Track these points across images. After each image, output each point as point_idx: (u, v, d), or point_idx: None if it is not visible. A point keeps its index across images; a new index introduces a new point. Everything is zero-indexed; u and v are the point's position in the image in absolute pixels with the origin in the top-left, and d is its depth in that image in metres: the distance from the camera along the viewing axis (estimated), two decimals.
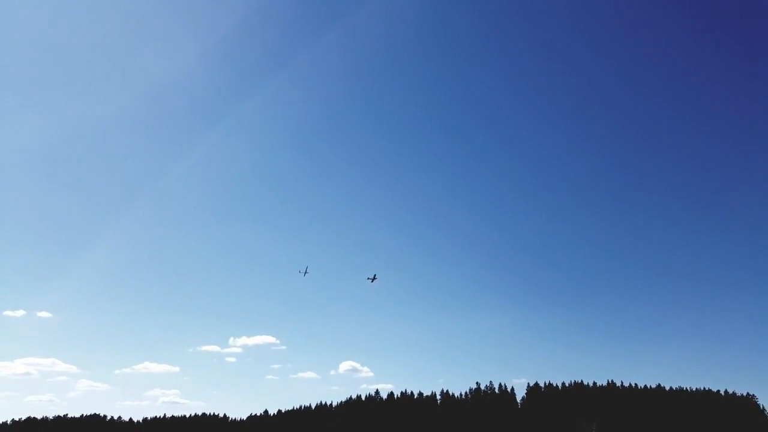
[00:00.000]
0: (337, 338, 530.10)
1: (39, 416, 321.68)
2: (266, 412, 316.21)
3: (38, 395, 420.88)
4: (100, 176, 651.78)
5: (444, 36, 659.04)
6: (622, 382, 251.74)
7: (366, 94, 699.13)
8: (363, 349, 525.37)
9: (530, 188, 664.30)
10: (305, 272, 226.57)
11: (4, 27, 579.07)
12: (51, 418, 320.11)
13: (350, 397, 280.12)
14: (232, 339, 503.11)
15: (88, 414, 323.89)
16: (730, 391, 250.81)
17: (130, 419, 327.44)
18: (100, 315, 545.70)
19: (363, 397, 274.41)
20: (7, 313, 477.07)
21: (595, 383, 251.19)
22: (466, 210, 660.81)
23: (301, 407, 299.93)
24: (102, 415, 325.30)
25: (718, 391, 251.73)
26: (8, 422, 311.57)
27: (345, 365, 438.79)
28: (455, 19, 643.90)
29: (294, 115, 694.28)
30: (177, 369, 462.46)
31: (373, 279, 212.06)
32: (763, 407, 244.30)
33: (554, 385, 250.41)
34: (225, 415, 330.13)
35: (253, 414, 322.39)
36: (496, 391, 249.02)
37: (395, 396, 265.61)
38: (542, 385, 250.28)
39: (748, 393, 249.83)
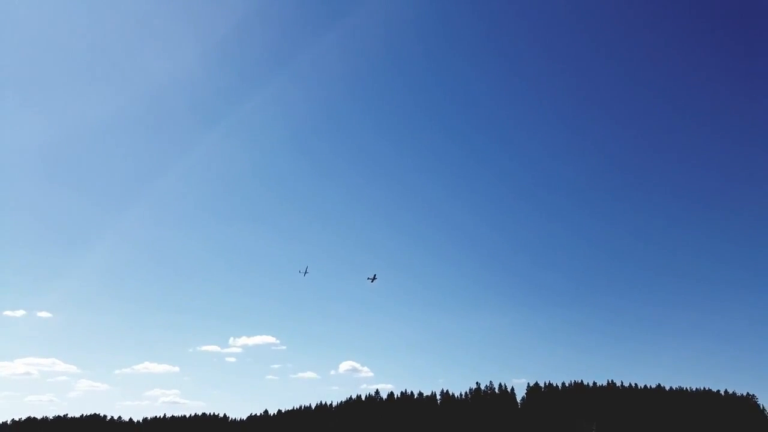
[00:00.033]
0: (337, 338, 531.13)
1: (39, 416, 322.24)
2: (266, 412, 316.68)
3: (38, 395, 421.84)
4: (100, 176, 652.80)
5: (444, 36, 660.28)
6: (622, 382, 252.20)
7: (366, 94, 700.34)
8: (363, 349, 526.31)
9: (530, 188, 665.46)
10: (305, 272, 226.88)
11: (4, 27, 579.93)
12: (51, 418, 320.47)
13: (350, 397, 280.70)
14: (232, 339, 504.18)
15: (88, 414, 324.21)
16: (730, 391, 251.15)
17: (130, 419, 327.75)
18: (100, 315, 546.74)
19: (363, 397, 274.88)
20: (7, 313, 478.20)
21: (595, 383, 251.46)
22: (466, 210, 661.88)
23: (301, 407, 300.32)
24: (102, 415, 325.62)
25: (718, 391, 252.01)
26: (8, 422, 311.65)
27: (345, 365, 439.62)
28: (455, 19, 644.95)
29: (294, 115, 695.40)
30: (177, 369, 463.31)
31: (373, 279, 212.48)
32: (763, 407, 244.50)
33: (554, 385, 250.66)
34: (225, 415, 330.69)
35: (253, 414, 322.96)
36: (496, 391, 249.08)
37: (395, 396, 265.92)
38: (542, 385, 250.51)
39: (748, 393, 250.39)
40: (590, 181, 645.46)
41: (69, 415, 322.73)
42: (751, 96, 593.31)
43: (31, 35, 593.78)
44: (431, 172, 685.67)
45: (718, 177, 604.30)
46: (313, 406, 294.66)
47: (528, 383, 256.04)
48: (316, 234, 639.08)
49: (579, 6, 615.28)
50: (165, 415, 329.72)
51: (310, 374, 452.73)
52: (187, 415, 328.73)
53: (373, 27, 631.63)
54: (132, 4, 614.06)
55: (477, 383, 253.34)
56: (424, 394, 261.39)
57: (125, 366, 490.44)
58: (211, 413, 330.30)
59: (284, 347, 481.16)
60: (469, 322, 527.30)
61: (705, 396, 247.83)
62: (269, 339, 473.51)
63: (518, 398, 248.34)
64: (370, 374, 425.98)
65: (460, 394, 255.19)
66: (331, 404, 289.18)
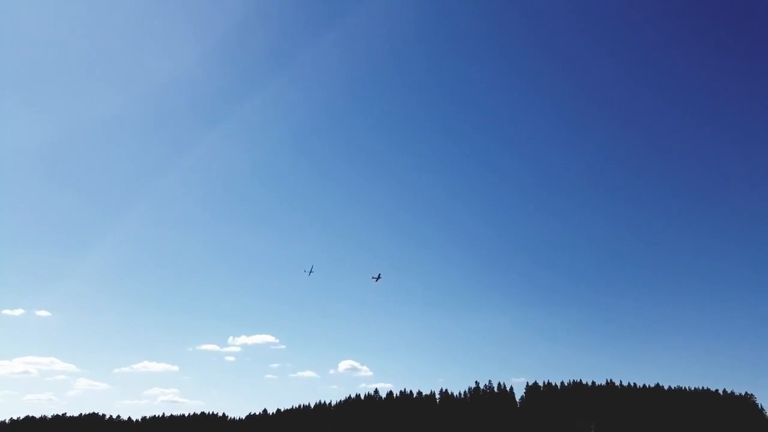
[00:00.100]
0: (337, 337, 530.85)
1: (38, 415, 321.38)
2: (265, 411, 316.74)
3: (37, 394, 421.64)
4: (99, 176, 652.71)
5: (444, 35, 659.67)
6: (621, 382, 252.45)
7: (366, 93, 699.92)
8: (362, 349, 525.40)
9: (530, 187, 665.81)
10: (310, 272, 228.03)
11: (4, 26, 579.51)
12: (50, 417, 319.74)
13: (349, 397, 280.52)
14: (231, 338, 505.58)
15: (87, 413, 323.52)
16: (729, 391, 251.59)
17: (129, 418, 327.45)
18: (99, 314, 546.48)
19: (362, 397, 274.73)
20: (6, 311, 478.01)
21: (594, 382, 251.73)
22: (466, 209, 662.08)
23: (300, 406, 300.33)
24: (101, 414, 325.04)
25: (717, 390, 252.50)
26: (7, 421, 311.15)
27: (344, 364, 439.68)
28: (455, 19, 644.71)
29: (294, 115, 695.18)
30: (176, 368, 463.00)
31: (378, 278, 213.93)
32: (762, 406, 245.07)
33: (553, 384, 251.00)
34: (224, 414, 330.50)
35: (252, 413, 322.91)
36: (495, 390, 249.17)
37: (394, 395, 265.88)
38: (541, 384, 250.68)
39: (746, 392, 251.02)
40: (590, 180, 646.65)
41: (68, 414, 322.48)
42: (752, 96, 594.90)
43: (30, 35, 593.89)
44: (431, 171, 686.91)
45: (718, 177, 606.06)
46: (312, 406, 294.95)
47: (527, 382, 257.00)
48: (316, 234, 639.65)
49: (579, 5, 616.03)
50: (164, 414, 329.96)
51: (309, 373, 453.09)
52: (186, 414, 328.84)
53: (373, 27, 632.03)
54: (132, 4, 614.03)
55: (476, 382, 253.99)
56: (423, 394, 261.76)
57: (124, 365, 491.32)
58: (210, 412, 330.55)
59: (283, 346, 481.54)
60: (468, 321, 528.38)
61: (704, 395, 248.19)
62: (268, 338, 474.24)
63: (517, 397, 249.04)
64: (370, 373, 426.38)
65: (459, 394, 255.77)
66: (330, 403, 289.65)
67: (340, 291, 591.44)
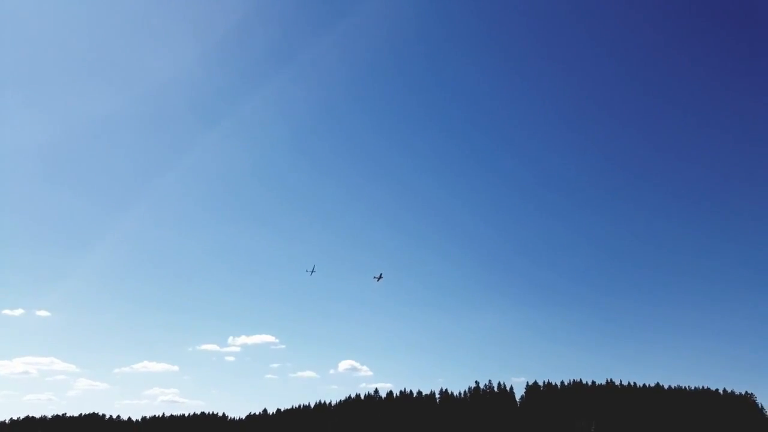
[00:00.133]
0: (337, 337, 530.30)
1: (38, 415, 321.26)
2: (265, 411, 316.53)
3: (37, 394, 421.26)
4: (99, 176, 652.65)
5: (444, 35, 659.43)
6: (621, 381, 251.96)
7: (366, 93, 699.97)
8: (362, 349, 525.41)
9: (530, 187, 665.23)
10: (312, 271, 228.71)
11: (4, 27, 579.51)
12: (50, 417, 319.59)
13: (349, 396, 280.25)
14: (231, 338, 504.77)
15: (87, 413, 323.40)
16: (729, 390, 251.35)
17: (129, 418, 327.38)
18: (99, 314, 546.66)
19: (362, 396, 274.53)
20: (6, 311, 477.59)
21: (594, 382, 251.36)
22: (466, 209, 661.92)
23: (300, 406, 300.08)
24: (101, 414, 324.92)
25: (717, 389, 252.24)
26: (6, 421, 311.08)
27: (344, 364, 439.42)
28: (456, 19, 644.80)
29: (294, 115, 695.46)
30: (176, 368, 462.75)
31: (379, 278, 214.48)
32: (762, 406, 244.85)
33: (553, 384, 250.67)
34: (224, 414, 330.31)
35: (252, 413, 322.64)
36: (495, 390, 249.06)
37: (394, 395, 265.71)
38: (541, 384, 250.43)
39: (746, 392, 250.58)
40: (590, 180, 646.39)
41: (68, 414, 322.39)
42: (752, 96, 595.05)
43: (30, 35, 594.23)
44: (431, 171, 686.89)
45: (718, 176, 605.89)
46: (312, 405, 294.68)
47: (527, 382, 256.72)
48: (316, 234, 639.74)
49: (579, 5, 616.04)
50: (164, 414, 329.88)
51: (309, 373, 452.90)
52: (186, 414, 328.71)
53: (373, 27, 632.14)
54: (132, 4, 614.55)
55: (476, 382, 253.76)
56: (423, 393, 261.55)
57: (124, 365, 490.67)
58: (210, 412, 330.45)
59: (283, 346, 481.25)
60: (468, 321, 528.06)
61: (704, 395, 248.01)
62: (268, 338, 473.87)
63: (517, 397, 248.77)
64: (370, 373, 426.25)
65: (459, 393, 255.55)
66: (330, 403, 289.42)
67: (340, 291, 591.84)
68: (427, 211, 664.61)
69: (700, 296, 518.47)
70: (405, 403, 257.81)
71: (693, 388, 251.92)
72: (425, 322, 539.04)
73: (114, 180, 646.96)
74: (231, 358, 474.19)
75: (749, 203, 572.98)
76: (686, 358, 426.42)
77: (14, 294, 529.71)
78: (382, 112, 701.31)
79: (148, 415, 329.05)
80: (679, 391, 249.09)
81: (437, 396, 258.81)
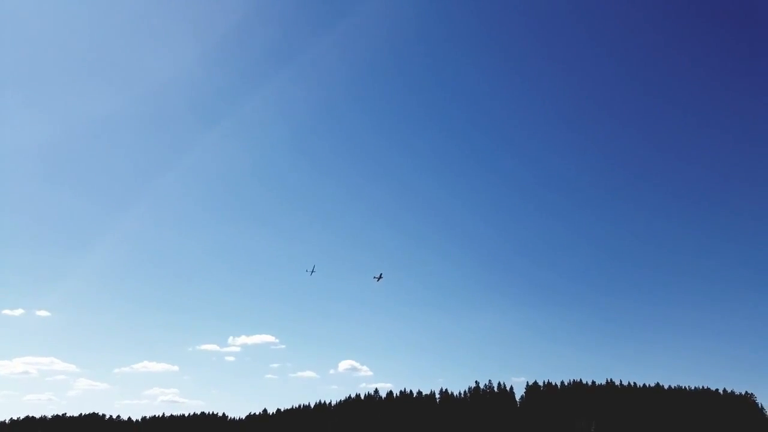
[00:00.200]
0: (337, 337, 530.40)
1: (38, 415, 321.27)
2: (265, 411, 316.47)
3: (37, 394, 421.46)
4: (99, 176, 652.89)
5: (445, 35, 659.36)
6: (621, 381, 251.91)
7: (366, 93, 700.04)
8: (362, 349, 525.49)
9: (530, 187, 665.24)
10: (312, 271, 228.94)
11: (4, 27, 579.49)
12: (50, 417, 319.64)
13: (349, 396, 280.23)
14: (231, 338, 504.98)
15: (87, 413, 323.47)
16: (729, 390, 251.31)
17: (129, 418, 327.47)
18: (99, 314, 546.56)
19: (362, 396, 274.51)
20: (6, 311, 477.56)
21: (594, 382, 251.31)
22: (466, 209, 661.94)
23: (300, 406, 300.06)
24: (101, 414, 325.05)
25: (717, 389, 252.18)
26: (6, 421, 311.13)
27: (344, 364, 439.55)
28: (456, 18, 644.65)
29: (294, 115, 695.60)
30: (176, 368, 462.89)
31: (379, 278, 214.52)
32: (762, 406, 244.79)
33: (553, 384, 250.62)
34: (224, 414, 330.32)
35: (252, 413, 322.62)
36: (495, 390, 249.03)
37: (394, 395, 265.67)
38: (541, 384, 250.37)
39: (746, 392, 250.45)
40: (590, 180, 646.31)
41: (68, 414, 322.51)
42: (752, 96, 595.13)
43: (31, 35, 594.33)
44: (431, 170, 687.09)
45: (718, 176, 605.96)
46: (312, 405, 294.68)
47: (527, 382, 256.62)
48: (316, 233, 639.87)
49: (579, 5, 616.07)
50: (164, 414, 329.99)
51: (309, 373, 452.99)
52: (186, 414, 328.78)
53: (373, 27, 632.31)
54: (132, 4, 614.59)
55: (476, 382, 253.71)
56: (423, 393, 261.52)
57: (124, 365, 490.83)
58: (210, 412, 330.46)
59: (283, 346, 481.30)
60: (468, 320, 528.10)
61: (704, 395, 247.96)
62: (268, 338, 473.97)
63: (517, 397, 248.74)
64: (370, 373, 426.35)
65: (459, 393, 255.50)
66: (330, 403, 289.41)
67: (340, 291, 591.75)
68: (427, 211, 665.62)
69: (700, 296, 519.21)
70: (405, 403, 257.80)
71: (693, 388, 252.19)
72: (425, 322, 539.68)
73: (114, 180, 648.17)
74: (231, 358, 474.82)
75: (749, 203, 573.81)
76: (686, 358, 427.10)
77: (14, 294, 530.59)
78: (382, 112, 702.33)
79: (148, 415, 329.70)
80: (679, 391, 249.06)
81: (437, 396, 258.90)
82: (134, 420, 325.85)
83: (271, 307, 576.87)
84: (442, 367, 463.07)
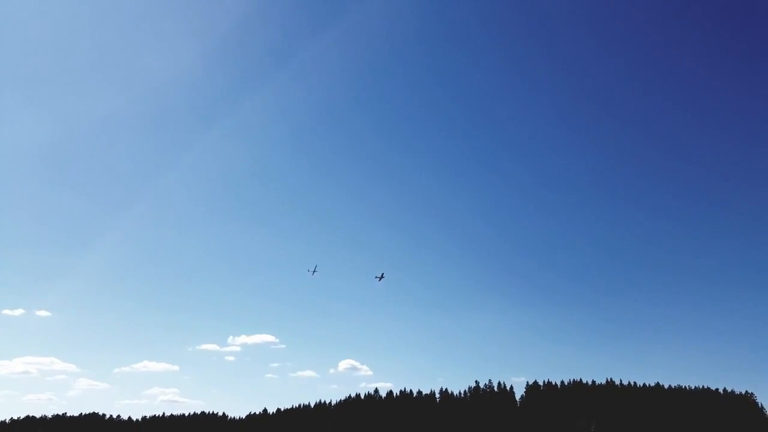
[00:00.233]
0: (337, 337, 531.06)
1: (38, 415, 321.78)
2: (265, 410, 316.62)
3: (37, 394, 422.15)
4: (99, 175, 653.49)
5: (445, 34, 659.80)
6: (621, 381, 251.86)
7: (366, 92, 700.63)
8: (362, 348, 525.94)
9: (530, 187, 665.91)
10: (314, 271, 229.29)
11: (4, 26, 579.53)
12: (50, 417, 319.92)
13: (349, 396, 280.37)
14: (231, 338, 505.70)
15: (88, 413, 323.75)
16: (729, 390, 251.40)
17: (129, 418, 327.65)
18: (99, 314, 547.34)
19: (362, 396, 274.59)
20: (6, 311, 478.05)
21: (594, 382, 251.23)
22: (466, 208, 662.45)
23: (300, 406, 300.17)
24: (101, 413, 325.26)
25: (717, 389, 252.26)
26: (7, 421, 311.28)
27: (344, 364, 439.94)
28: (456, 18, 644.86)
29: (294, 114, 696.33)
30: (176, 368, 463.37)
31: (381, 277, 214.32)
32: (762, 405, 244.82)
33: (553, 383, 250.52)
34: (224, 413, 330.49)
35: (252, 413, 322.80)
36: (495, 389, 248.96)
37: (394, 395, 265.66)
38: (541, 383, 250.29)
39: (746, 391, 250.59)
40: (590, 180, 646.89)
41: (68, 414, 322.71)
42: (752, 96, 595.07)
43: (31, 35, 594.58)
44: (431, 170, 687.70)
45: (718, 176, 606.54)
46: (312, 405, 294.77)
47: (527, 382, 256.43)
48: (316, 233, 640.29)
49: (580, 5, 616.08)
50: (164, 413, 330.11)
51: (309, 373, 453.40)
52: (186, 414, 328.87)
53: (373, 26, 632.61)
54: (132, 4, 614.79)
55: (476, 382, 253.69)
56: (424, 393, 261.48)
57: (124, 365, 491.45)
58: (210, 412, 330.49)
59: (283, 346, 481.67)
60: (468, 320, 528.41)
61: (704, 394, 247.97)
62: (268, 338, 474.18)
63: (517, 397, 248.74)
64: (370, 373, 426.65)
65: (460, 393, 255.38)
66: (330, 403, 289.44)
67: (339, 290, 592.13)
68: (427, 211, 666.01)
69: (700, 296, 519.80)
70: (405, 402, 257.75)
71: (693, 387, 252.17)
72: (425, 322, 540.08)
73: (114, 180, 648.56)
74: (231, 358, 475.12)
75: (749, 203, 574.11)
76: (686, 358, 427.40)
77: (14, 294, 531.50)
78: (382, 112, 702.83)
79: (148, 414, 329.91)
80: (679, 390, 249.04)
81: (437, 396, 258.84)
82: (134, 420, 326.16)
83: (270, 306, 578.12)
84: (442, 367, 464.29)
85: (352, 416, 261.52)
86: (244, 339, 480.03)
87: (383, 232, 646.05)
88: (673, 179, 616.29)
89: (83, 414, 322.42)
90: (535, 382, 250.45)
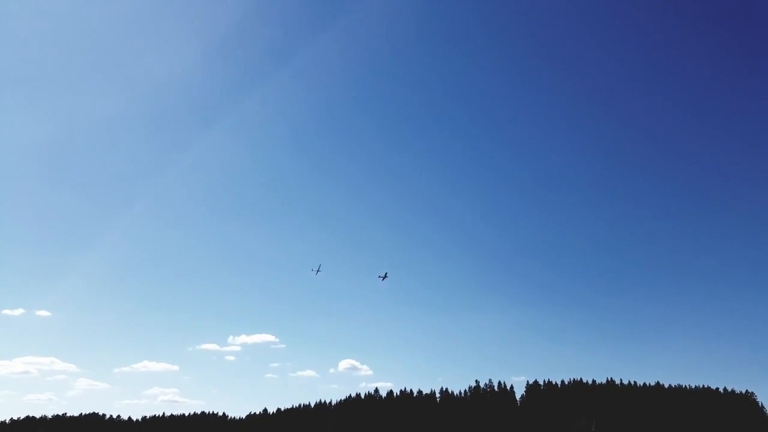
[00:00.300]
0: (337, 337, 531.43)
1: (38, 415, 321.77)
2: (265, 410, 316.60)
3: (37, 394, 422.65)
4: (100, 175, 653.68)
5: (445, 34, 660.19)
6: (621, 380, 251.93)
7: (367, 92, 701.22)
8: (362, 348, 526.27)
9: (530, 187, 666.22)
10: (317, 271, 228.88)
11: (4, 27, 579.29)
12: (50, 417, 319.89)
13: (349, 396, 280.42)
14: (231, 337, 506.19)
15: (88, 413, 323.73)
16: (729, 389, 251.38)
17: (129, 418, 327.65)
18: (99, 314, 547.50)
19: (362, 396, 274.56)
20: (6, 311, 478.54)
21: (594, 381, 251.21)
22: (467, 208, 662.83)
23: (300, 406, 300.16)
24: (101, 413, 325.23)
25: (717, 388, 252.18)
26: (7, 421, 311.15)
27: (344, 364, 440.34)
28: (456, 17, 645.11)
29: (295, 114, 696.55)
30: (176, 368, 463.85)
31: (384, 277, 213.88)
32: (762, 405, 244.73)
33: (554, 383, 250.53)
34: (224, 413, 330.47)
35: (253, 413, 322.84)
36: (496, 389, 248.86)
37: (394, 394, 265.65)
38: (542, 383, 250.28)
39: (746, 390, 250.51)
40: (590, 180, 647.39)
41: (68, 414, 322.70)
42: (752, 96, 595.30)
43: (31, 34, 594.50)
44: (431, 170, 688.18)
45: (718, 176, 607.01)
46: (313, 405, 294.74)
47: (527, 381, 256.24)
48: (316, 233, 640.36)
49: (580, 5, 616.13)
50: (164, 413, 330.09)
51: (309, 373, 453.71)
52: (186, 414, 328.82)
53: (373, 26, 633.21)
54: (132, 4, 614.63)
55: (476, 381, 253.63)
56: (424, 393, 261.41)
57: (124, 365, 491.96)
58: (211, 412, 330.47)
59: (283, 346, 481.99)
60: (468, 320, 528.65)
61: (704, 394, 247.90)
62: (268, 337, 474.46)
63: (518, 396, 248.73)
64: (370, 373, 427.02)
65: (460, 393, 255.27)
66: (330, 403, 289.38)
67: (339, 290, 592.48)
68: (427, 210, 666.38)
69: (700, 296, 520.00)
70: (405, 402, 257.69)
71: (693, 387, 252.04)
72: (425, 322, 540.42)
73: (114, 179, 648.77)
74: (231, 358, 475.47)
75: (749, 203, 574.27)
76: (686, 358, 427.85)
77: (14, 294, 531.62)
78: (382, 112, 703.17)
79: (148, 414, 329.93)
80: (679, 390, 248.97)
81: (437, 395, 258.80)
82: (134, 420, 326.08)
83: (271, 306, 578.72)
84: (442, 367, 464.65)
85: (352, 416, 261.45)
86: (244, 339, 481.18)
87: (383, 232, 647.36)
88: (673, 179, 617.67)
89: (83, 414, 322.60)
90: (536, 382, 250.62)
